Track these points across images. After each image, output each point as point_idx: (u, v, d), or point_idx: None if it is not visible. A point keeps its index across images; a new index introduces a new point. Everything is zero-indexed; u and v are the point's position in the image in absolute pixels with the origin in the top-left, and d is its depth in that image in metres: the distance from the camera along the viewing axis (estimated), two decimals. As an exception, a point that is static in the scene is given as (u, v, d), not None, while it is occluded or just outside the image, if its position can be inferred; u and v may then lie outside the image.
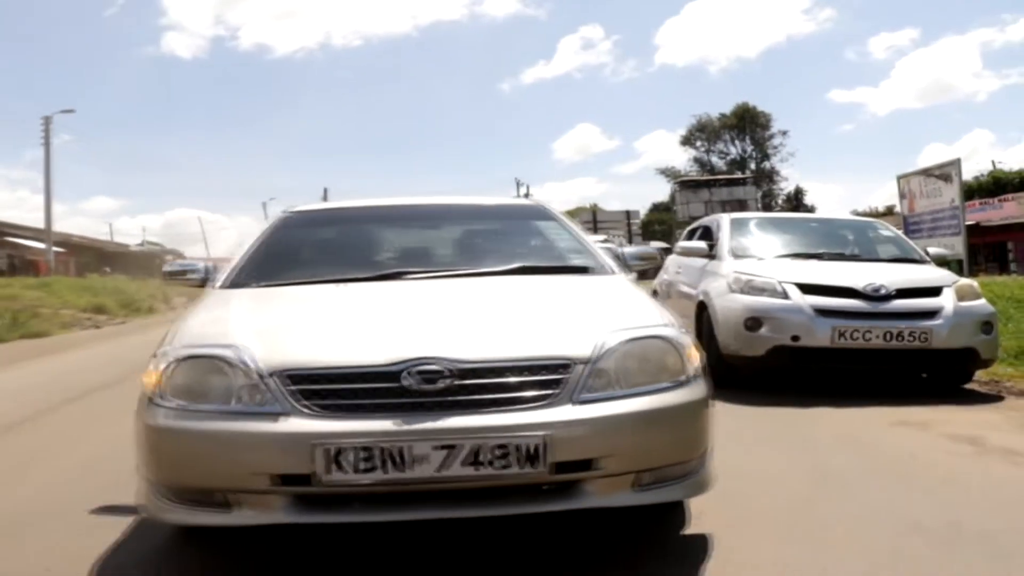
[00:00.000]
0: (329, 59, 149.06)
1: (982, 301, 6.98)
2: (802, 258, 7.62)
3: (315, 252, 4.82)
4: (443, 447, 2.79)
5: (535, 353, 3.00)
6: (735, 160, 68.36)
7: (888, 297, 6.46)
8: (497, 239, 5.03)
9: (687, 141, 70.35)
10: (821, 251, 7.86)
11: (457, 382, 2.88)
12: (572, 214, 59.41)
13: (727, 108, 69.58)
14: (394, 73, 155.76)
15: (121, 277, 36.47)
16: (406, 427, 2.80)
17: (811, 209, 61.12)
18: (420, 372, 2.87)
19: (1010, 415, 5.85)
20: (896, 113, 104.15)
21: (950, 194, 13.62)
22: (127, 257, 57.70)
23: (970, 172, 40.31)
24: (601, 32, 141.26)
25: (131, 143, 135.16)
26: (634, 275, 4.39)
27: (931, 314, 6.49)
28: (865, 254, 8.07)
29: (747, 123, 67.34)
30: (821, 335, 6.29)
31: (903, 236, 9.10)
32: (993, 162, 47.04)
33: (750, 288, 6.74)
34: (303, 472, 2.79)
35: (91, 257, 52.22)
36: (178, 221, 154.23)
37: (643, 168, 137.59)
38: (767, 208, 63.14)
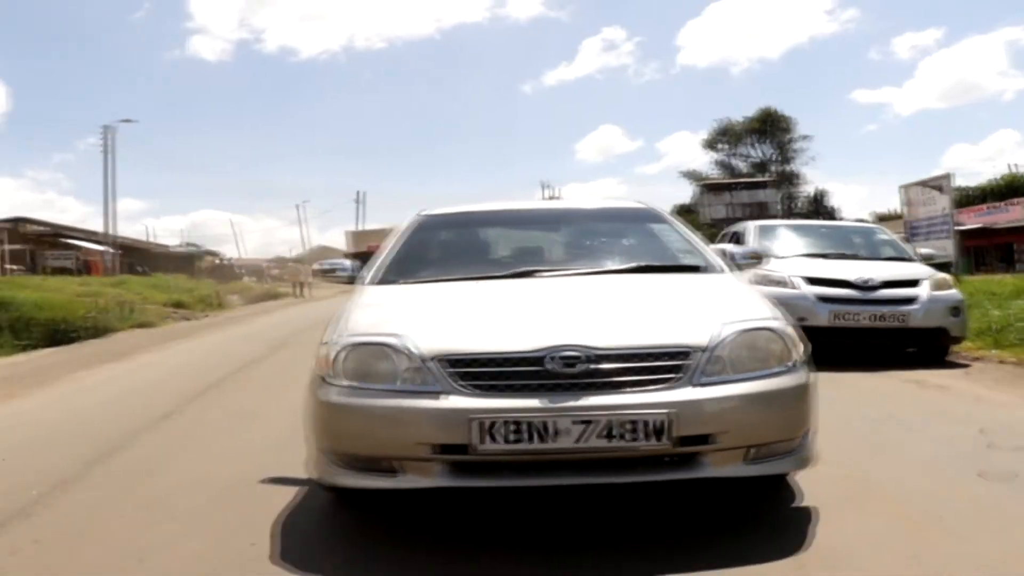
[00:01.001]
0: (353, 61, 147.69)
1: (953, 291, 8.85)
2: (812, 257, 9.55)
3: (451, 252, 5.19)
4: (581, 422, 3.12)
5: (659, 341, 3.34)
6: (757, 163, 68.31)
7: (875, 287, 8.42)
8: (615, 240, 5.37)
9: (710, 145, 70.44)
10: (828, 251, 9.82)
11: (592, 366, 3.22)
12: None
13: (749, 109, 70.06)
14: (417, 75, 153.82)
15: (162, 275, 38.33)
16: (550, 404, 3.15)
17: (833, 211, 62.12)
18: (561, 357, 3.22)
19: (968, 372, 8.01)
20: (920, 113, 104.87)
21: (942, 203, 15.45)
22: (168, 257, 59.36)
23: (995, 172, 41.79)
24: (623, 34, 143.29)
25: (156, 145, 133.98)
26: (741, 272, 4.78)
27: (909, 300, 8.43)
28: (865, 254, 9.93)
29: (770, 127, 67.57)
30: (822, 317, 8.25)
31: (897, 239, 10.99)
32: (1009, 165, 48.13)
33: (767, 281, 8.61)
34: (460, 442, 3.16)
35: (136, 257, 53.94)
36: (203, 222, 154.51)
37: (666, 169, 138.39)
38: (788, 210, 64.07)
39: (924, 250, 10.95)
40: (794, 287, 8.54)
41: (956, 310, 8.67)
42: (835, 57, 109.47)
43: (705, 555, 3.15)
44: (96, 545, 3.53)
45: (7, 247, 41.71)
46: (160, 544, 3.49)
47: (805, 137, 67.43)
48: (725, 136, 70.03)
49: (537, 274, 4.43)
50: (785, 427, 3.41)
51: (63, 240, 49.86)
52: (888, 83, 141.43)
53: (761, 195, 56.63)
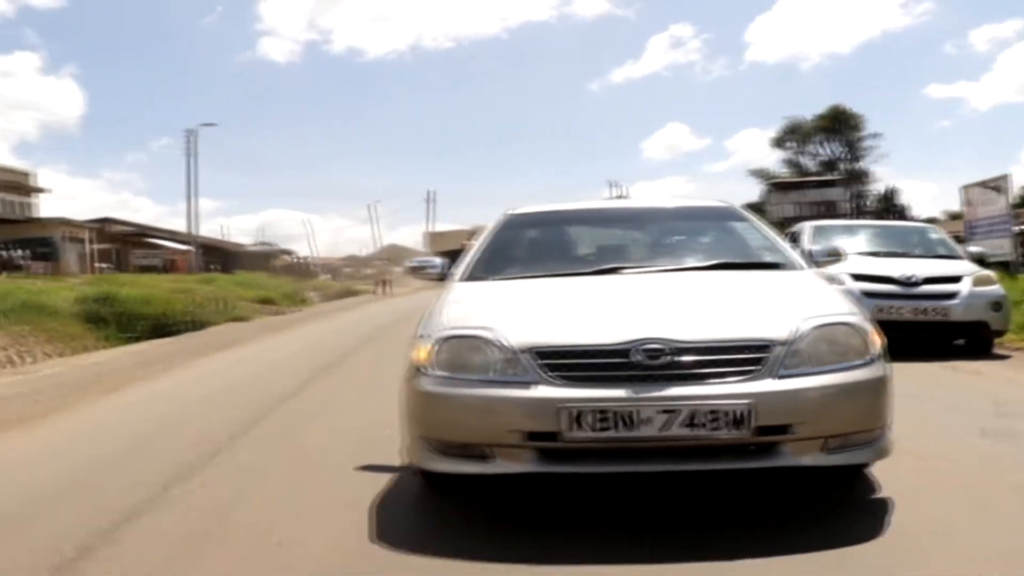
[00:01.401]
0: (420, 61, 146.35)
1: (995, 287, 9.44)
2: (864, 255, 10.10)
3: (537, 249, 5.31)
4: (665, 411, 3.23)
5: (740, 335, 3.44)
6: (826, 161, 67.72)
7: (917, 283, 9.12)
8: (697, 238, 5.49)
9: (778, 143, 69.76)
10: (879, 250, 10.45)
11: (676, 358, 3.33)
12: None
13: (820, 105, 69.51)
14: (484, 74, 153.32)
15: (245, 273, 40.02)
16: (635, 395, 3.25)
17: (903, 209, 61.36)
18: (646, 350, 3.33)
19: (1007, 362, 8.69)
20: (998, 108, 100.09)
21: (1001, 203, 15.92)
22: (244, 256, 60.66)
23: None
24: (690, 30, 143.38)
25: (227, 146, 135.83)
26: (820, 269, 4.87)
27: (950, 296, 9.09)
28: (916, 252, 10.48)
29: (840, 125, 66.88)
30: (866, 311, 9.00)
31: (947, 238, 11.54)
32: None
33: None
34: (550, 430, 3.29)
35: (214, 256, 55.96)
36: (273, 221, 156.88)
37: (734, 167, 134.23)
38: (857, 209, 63.44)
39: (974, 248, 11.41)
40: (841, 283, 9.31)
41: (997, 305, 9.21)
42: (908, 51, 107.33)
43: (788, 539, 3.30)
44: (265, 482, 4.54)
45: (95, 246, 43.93)
46: (312, 481, 4.45)
47: (875, 135, 66.36)
48: (794, 134, 69.24)
49: (621, 270, 4.57)
50: (863, 418, 3.51)
51: (146, 239, 52.21)
52: (964, 77, 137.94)
53: (830, 193, 56.42)
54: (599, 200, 6.35)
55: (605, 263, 4.74)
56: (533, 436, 3.36)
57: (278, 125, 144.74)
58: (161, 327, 16.95)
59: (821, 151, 68.90)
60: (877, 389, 3.51)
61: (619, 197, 62.10)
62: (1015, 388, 6.89)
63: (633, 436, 3.27)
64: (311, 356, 11.13)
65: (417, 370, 3.64)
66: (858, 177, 67.28)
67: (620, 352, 3.37)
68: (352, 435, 5.53)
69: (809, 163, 68.88)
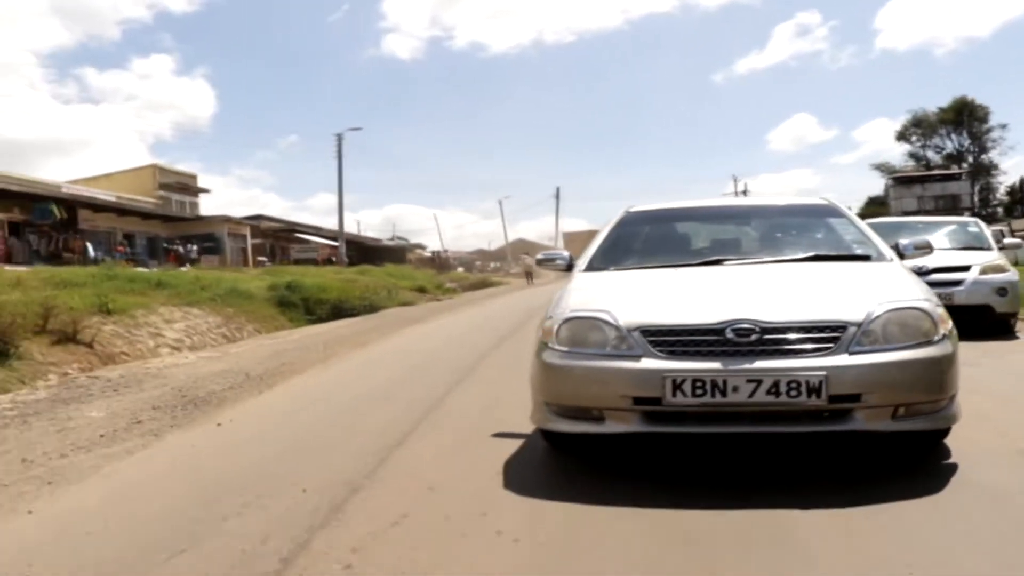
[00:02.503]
0: (542, 55, 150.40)
1: (1002, 275, 10.18)
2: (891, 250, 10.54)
3: (651, 243, 5.80)
4: (751, 381, 3.68)
5: (819, 317, 3.86)
6: (951, 154, 66.94)
7: (927, 272, 9.35)
8: (796, 233, 5.80)
9: (902, 136, 69.83)
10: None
11: (763, 336, 3.79)
12: None
13: (955, 92, 67.57)
14: (607, 68, 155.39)
15: (393, 266, 43.21)
16: (727, 367, 3.73)
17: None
18: (737, 329, 3.82)
19: (1015, 341, 9.57)
20: None
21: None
22: (381, 250, 63.79)
23: None
24: (818, 17, 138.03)
25: (351, 142, 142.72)
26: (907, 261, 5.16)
27: (955, 283, 9.90)
28: (949, 245, 10.98)
29: (966, 117, 65.91)
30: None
31: (985, 231, 12.16)
32: None
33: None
34: (655, 395, 3.79)
35: (352, 250, 59.61)
36: (398, 216, 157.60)
37: (862, 158, 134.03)
38: (984, 201, 62.58)
39: (1011, 240, 12.50)
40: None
41: (1003, 290, 10.03)
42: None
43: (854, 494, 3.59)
44: (485, 416, 5.85)
45: (251, 241, 47.95)
46: (505, 421, 5.42)
47: (1003, 126, 65.27)
48: (918, 127, 68.93)
49: (724, 262, 5.02)
50: (928, 390, 3.87)
51: (295, 234, 56.20)
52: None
53: (953, 187, 55.86)
54: (709, 198, 6.98)
55: (710, 255, 5.23)
56: (639, 401, 3.89)
57: (402, 121, 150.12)
58: (339, 310, 19.96)
59: (947, 144, 68.27)
60: (942, 365, 3.88)
61: (743, 192, 62.98)
62: (1008, 352, 8.37)
63: (725, 402, 3.75)
64: (489, 328, 13.70)
65: (544, 345, 4.24)
66: (985, 170, 66.10)
67: (715, 331, 3.88)
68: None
69: (934, 156, 68.36)
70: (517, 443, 4.81)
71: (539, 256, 6.09)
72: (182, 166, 51.07)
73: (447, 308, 20.80)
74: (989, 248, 11.30)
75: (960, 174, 57.70)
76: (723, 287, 4.47)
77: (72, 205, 34.74)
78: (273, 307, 19.25)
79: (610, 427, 4.00)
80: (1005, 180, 66.45)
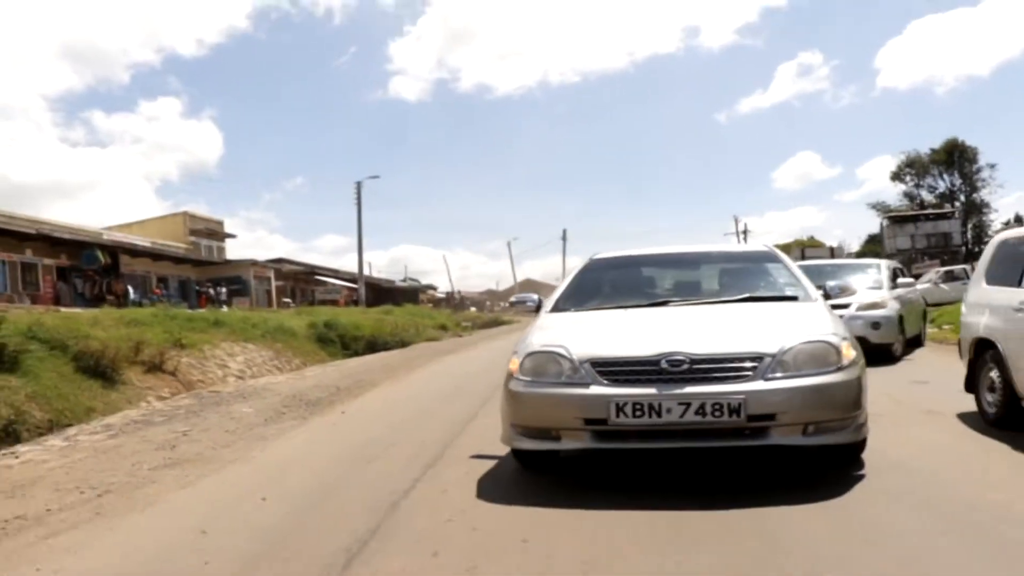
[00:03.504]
0: (548, 96, 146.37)
1: (879, 311, 11.43)
2: None
3: (609, 286, 6.32)
4: (683, 403, 4.30)
5: (740, 349, 4.49)
6: (944, 194, 68.33)
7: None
8: (736, 277, 6.31)
9: (896, 176, 71.03)
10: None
11: (692, 366, 4.41)
12: (786, 248, 60.12)
13: (957, 128, 68.75)
14: (611, 108, 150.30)
15: (412, 306, 45.42)
16: (661, 392, 4.34)
17: None
18: (670, 360, 4.43)
19: (894, 365, 11.15)
20: None
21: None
22: (395, 291, 65.48)
23: None
24: (819, 58, 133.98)
25: (353, 183, 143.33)
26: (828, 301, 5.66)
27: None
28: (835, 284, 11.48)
29: (957, 158, 67.35)
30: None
31: (882, 271, 13.25)
32: None
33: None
34: (601, 417, 4.42)
35: (368, 291, 61.40)
36: (403, 256, 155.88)
37: (866, 195, 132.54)
38: (978, 239, 64.19)
39: (903, 280, 13.57)
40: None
41: (876, 324, 11.21)
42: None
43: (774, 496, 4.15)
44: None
45: (275, 283, 50.38)
46: None
47: (992, 166, 66.85)
48: (912, 167, 70.32)
49: (669, 303, 5.63)
50: (834, 410, 4.42)
51: (314, 277, 58.63)
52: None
53: (944, 226, 57.03)
54: (668, 245, 7.36)
55: (658, 297, 5.93)
56: (589, 422, 4.49)
57: (408, 162, 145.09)
58: (374, 345, 22.32)
59: (939, 183, 69.59)
60: (844, 388, 4.44)
61: (743, 233, 65.03)
62: (927, 366, 10.66)
63: (659, 422, 4.33)
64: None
65: (511, 376, 4.85)
66: (977, 208, 67.64)
67: (652, 362, 4.46)
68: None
69: (927, 196, 69.63)
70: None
71: (511, 299, 6.62)
72: (208, 212, 53.41)
73: (469, 343, 23.17)
74: (880, 287, 12.43)
75: (952, 213, 58.71)
76: (663, 324, 5.06)
77: (114, 251, 37.22)
78: (313, 343, 21.57)
79: (565, 444, 4.69)
80: (997, 218, 67.52)
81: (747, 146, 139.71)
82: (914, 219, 58.25)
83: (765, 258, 6.46)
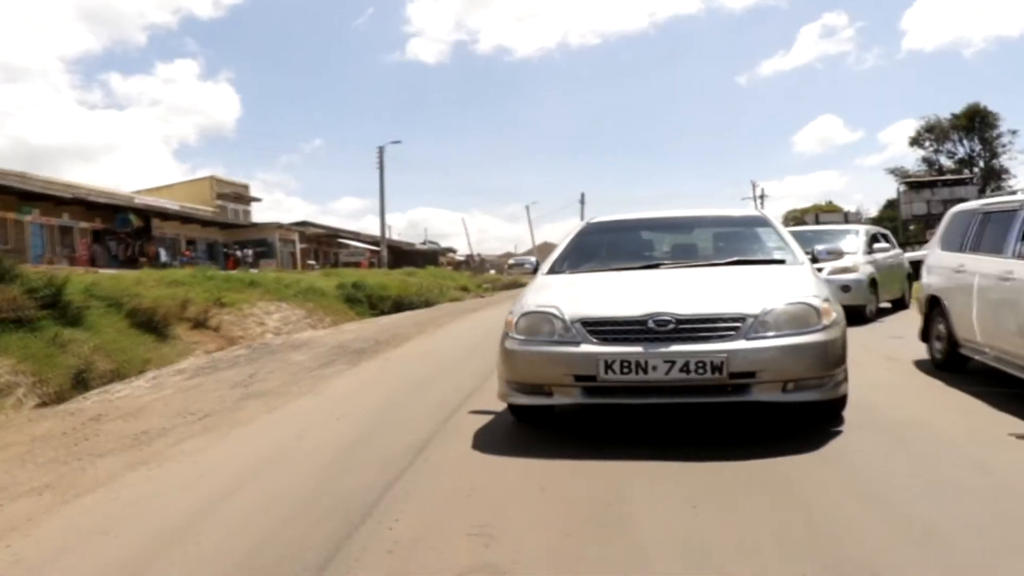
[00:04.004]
0: (567, 58, 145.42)
1: (850, 275, 11.94)
2: None
3: (604, 250, 6.46)
4: (668, 361, 4.49)
5: (724, 310, 4.67)
6: (963, 159, 68.13)
7: None
8: (727, 240, 6.44)
9: (915, 142, 70.77)
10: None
11: (679, 326, 4.59)
12: (802, 213, 59.96)
13: (984, 92, 67.43)
14: (631, 70, 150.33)
15: (433, 268, 46.44)
16: (648, 350, 4.54)
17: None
18: (657, 320, 4.62)
19: (865, 325, 11.89)
20: None
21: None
22: (415, 253, 65.98)
23: None
24: (844, 19, 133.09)
25: (371, 148, 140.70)
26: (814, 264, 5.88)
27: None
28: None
29: (978, 123, 67.07)
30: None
31: (860, 238, 13.53)
32: None
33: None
34: (591, 374, 4.62)
35: (389, 254, 62.62)
36: (421, 219, 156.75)
37: (887, 160, 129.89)
38: None
39: (880, 245, 14.09)
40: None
41: (846, 287, 11.79)
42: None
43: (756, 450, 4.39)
44: None
45: (299, 246, 51.50)
46: None
47: (1013, 132, 66.24)
48: (931, 133, 69.88)
49: (660, 266, 5.80)
50: (812, 368, 4.60)
51: (337, 240, 59.70)
52: None
53: (961, 191, 56.57)
54: (663, 209, 7.63)
55: (650, 260, 6.11)
56: (579, 378, 4.70)
57: (425, 125, 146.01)
58: (399, 305, 23.42)
59: (959, 149, 69.23)
60: (823, 348, 4.61)
61: (760, 198, 65.51)
62: (906, 325, 11.48)
63: (646, 379, 4.53)
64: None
65: (506, 335, 5.06)
66: (997, 175, 67.43)
67: (640, 322, 4.64)
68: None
69: (947, 161, 69.28)
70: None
71: (510, 262, 6.89)
72: (228, 175, 54.41)
73: (492, 303, 24.15)
74: (856, 252, 12.71)
75: (970, 179, 58.59)
76: (652, 286, 5.23)
77: (146, 214, 38.56)
78: (342, 303, 22.65)
79: (557, 400, 4.89)
80: (1016, 184, 66.62)
81: (768, 109, 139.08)
82: (931, 185, 58.46)
83: (756, 223, 6.68)
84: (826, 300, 4.87)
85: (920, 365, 7.50)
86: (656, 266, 5.86)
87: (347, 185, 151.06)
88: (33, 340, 9.79)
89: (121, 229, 36.60)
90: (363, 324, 17.50)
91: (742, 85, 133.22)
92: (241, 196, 54.21)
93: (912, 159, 72.14)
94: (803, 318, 4.68)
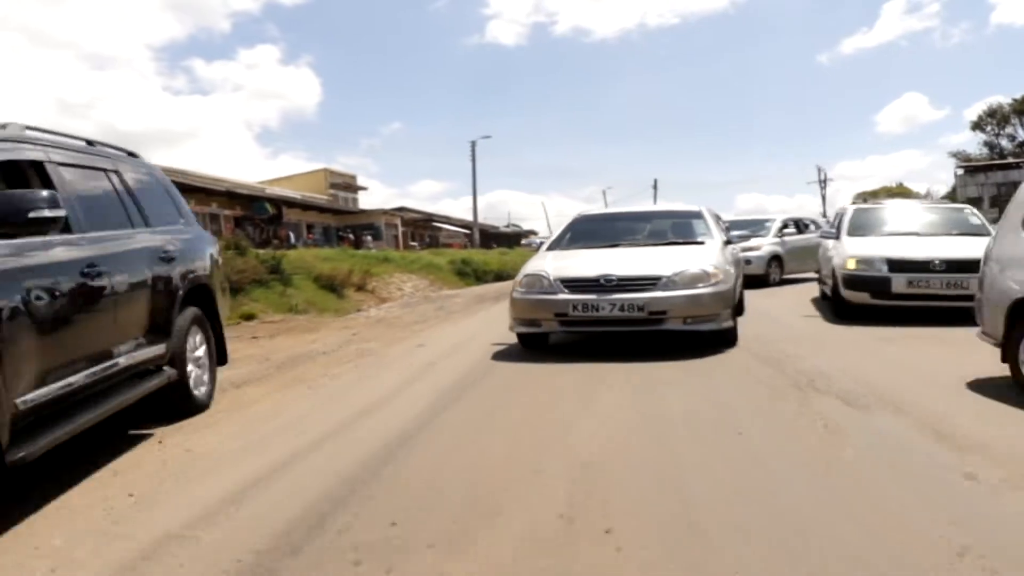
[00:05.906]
0: (646, 39, 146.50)
1: (752, 252, 15.27)
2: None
3: (586, 234, 8.94)
4: (611, 304, 7.00)
5: (648, 273, 7.12)
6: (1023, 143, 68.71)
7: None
8: (670, 228, 8.91)
9: (976, 126, 71.93)
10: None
11: (619, 283, 7.10)
12: (872, 194, 59.20)
13: None
14: (710, 50, 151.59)
15: (520, 248, 50.74)
16: (599, 298, 7.08)
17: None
18: (605, 279, 7.15)
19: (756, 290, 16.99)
20: None
21: None
22: (499, 235, 68.59)
23: None
24: None
25: (454, 129, 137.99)
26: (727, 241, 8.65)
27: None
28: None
29: None
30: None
31: (773, 224, 17.28)
32: None
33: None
34: (564, 312, 7.19)
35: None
36: (498, 202, 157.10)
37: (972, 138, 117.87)
38: None
39: (788, 230, 17.43)
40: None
41: (748, 261, 14.13)
42: None
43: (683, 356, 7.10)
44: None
45: (401, 229, 56.55)
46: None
47: None
48: (993, 117, 71.29)
49: (618, 245, 8.29)
50: (705, 310, 7.05)
51: (432, 223, 64.62)
52: None
53: (1015, 175, 56.95)
54: (630, 206, 9.33)
55: (612, 241, 8.49)
56: (556, 316, 7.19)
57: (503, 108, 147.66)
58: (500, 276, 28.90)
59: (1020, 133, 70.53)
60: (708, 297, 7.06)
61: (823, 182, 67.91)
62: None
63: (598, 315, 7.02)
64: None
65: (514, 288, 7.64)
66: (1057, 158, 67.88)
67: (595, 280, 7.18)
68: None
69: (1008, 145, 70.52)
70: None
71: (523, 242, 12.06)
72: (347, 168, 58.42)
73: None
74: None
75: (1022, 163, 59.40)
76: (608, 258, 7.60)
77: (278, 203, 43.98)
78: (454, 275, 28.29)
79: (544, 329, 7.47)
80: None
81: (849, 88, 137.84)
82: (986, 169, 59.89)
83: (693, 216, 9.21)
84: (716, 266, 7.28)
85: (827, 315, 12.68)
86: (615, 245, 8.37)
87: (425, 168, 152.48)
88: (269, 293, 15.79)
89: (258, 215, 41.38)
90: (484, 287, 23.56)
91: (823, 64, 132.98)
92: (350, 185, 60.13)
93: (974, 143, 72.75)
94: (699, 278, 7.14)
